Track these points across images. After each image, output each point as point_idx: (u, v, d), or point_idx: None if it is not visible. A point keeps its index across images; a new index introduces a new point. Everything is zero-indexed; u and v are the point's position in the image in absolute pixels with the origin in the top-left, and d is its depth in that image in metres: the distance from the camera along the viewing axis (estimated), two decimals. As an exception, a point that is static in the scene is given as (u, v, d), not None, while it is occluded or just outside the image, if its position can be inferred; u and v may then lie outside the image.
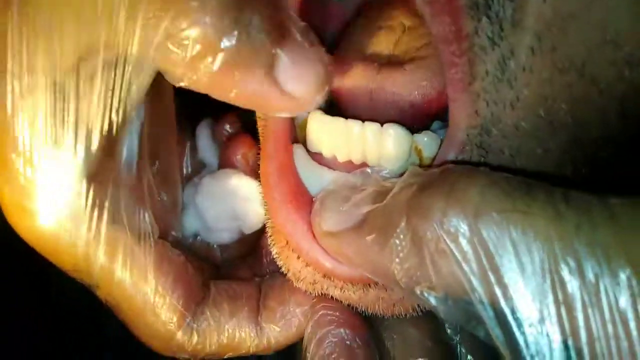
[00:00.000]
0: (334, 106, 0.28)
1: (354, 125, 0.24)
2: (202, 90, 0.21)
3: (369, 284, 0.24)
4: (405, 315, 0.25)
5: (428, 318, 0.26)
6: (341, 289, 0.25)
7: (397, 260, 0.19)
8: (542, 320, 0.16)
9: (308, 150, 0.26)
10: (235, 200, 0.30)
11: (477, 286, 0.17)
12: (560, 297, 0.16)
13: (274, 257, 0.27)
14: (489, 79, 0.21)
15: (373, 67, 0.26)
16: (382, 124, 0.24)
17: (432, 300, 0.18)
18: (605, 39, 0.21)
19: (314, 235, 0.23)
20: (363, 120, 0.24)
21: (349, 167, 0.25)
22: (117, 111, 0.22)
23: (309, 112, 0.26)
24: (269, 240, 0.27)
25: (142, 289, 0.24)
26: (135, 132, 0.25)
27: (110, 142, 0.23)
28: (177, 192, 0.30)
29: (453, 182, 0.18)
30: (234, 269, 0.31)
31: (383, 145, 0.24)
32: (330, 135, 0.25)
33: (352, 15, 0.30)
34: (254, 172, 0.29)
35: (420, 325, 0.26)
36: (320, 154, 0.26)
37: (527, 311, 0.17)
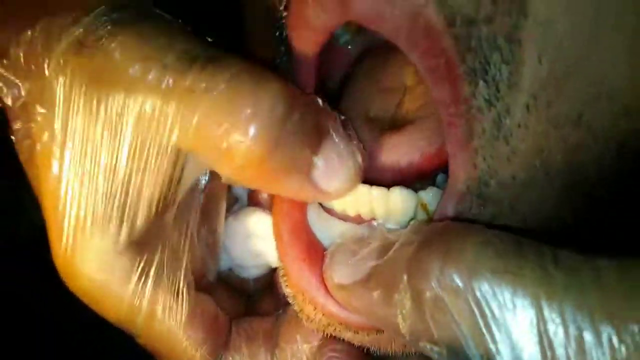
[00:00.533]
0: None
1: (361, 188, 0.26)
2: (241, 184, 0.23)
3: (382, 331, 0.26)
4: (415, 352, 0.27)
5: None
6: (354, 332, 0.26)
7: (400, 315, 0.21)
8: None
9: (321, 205, 0.28)
10: (257, 238, 0.32)
11: (472, 342, 0.19)
12: (548, 355, 0.18)
13: (287, 296, 0.29)
14: (485, 137, 0.22)
15: (374, 132, 0.28)
16: (387, 185, 0.26)
17: (435, 355, 0.20)
18: (601, 93, 0.22)
19: (327, 289, 0.25)
20: (367, 182, 0.26)
21: (360, 220, 0.27)
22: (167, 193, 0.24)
23: None
24: (282, 281, 0.29)
25: (177, 342, 0.27)
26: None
27: (164, 208, 0.25)
28: (219, 232, 0.32)
29: (449, 242, 0.20)
30: (261, 299, 0.34)
31: (389, 206, 0.26)
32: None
33: (355, 62, 0.32)
34: None
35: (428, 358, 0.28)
36: (332, 210, 0.28)
37: None
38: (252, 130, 0.22)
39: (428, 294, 0.19)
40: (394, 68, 0.30)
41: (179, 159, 0.23)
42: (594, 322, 0.17)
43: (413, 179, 0.27)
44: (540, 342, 0.18)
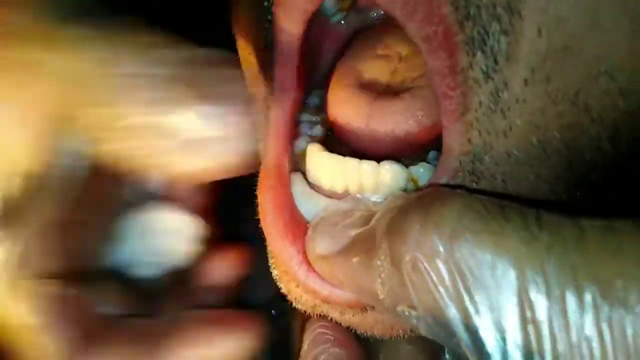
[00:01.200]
0: (331, 135, 0.29)
1: (350, 162, 0.25)
2: None
3: (366, 308, 0.25)
4: (403, 336, 0.26)
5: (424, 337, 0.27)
6: (340, 313, 0.26)
7: (379, 280, 0.20)
8: (512, 339, 0.17)
9: (308, 181, 0.27)
10: (164, 236, 0.31)
11: (451, 304, 0.18)
12: (528, 316, 0.17)
13: (275, 279, 0.28)
14: (482, 110, 0.22)
15: (369, 96, 0.27)
16: (378, 160, 0.25)
17: (413, 319, 0.19)
18: (600, 71, 0.21)
19: (309, 265, 0.25)
20: (359, 151, 0.25)
21: (346, 196, 0.26)
22: None
23: (307, 144, 0.27)
24: (270, 262, 0.28)
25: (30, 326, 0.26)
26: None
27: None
28: (117, 224, 0.31)
29: (429, 205, 0.19)
30: (164, 300, 0.32)
31: (379, 180, 0.25)
32: (328, 169, 0.26)
33: (350, 38, 0.31)
34: (193, 206, 0.30)
35: (417, 341, 0.27)
36: (319, 186, 0.27)
37: (496, 329, 0.17)
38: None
39: (407, 257, 0.19)
40: (389, 40, 0.29)
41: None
42: (577, 281, 0.17)
43: (406, 152, 0.26)
44: (521, 303, 0.17)
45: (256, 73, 0.29)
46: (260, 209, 0.26)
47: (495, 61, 0.21)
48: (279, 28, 0.25)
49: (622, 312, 0.16)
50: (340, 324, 0.27)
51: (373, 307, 0.25)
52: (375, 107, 0.27)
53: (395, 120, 0.26)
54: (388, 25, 0.29)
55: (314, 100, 0.30)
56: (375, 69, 0.28)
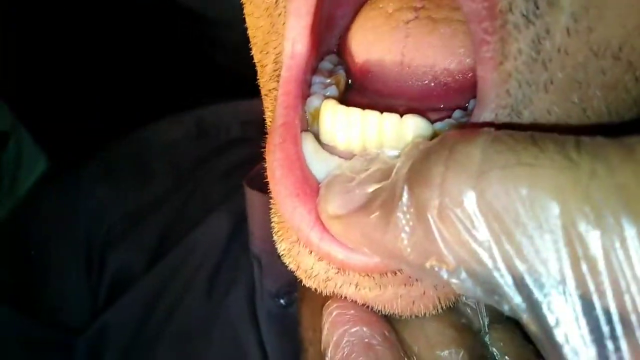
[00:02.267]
0: (350, 87, 0.26)
1: (371, 114, 0.23)
2: None
3: (386, 274, 0.22)
4: (425, 314, 0.24)
5: (449, 311, 0.25)
6: (356, 286, 0.23)
7: (402, 235, 0.17)
8: (563, 281, 0.15)
9: (320, 142, 0.24)
10: None
11: (489, 252, 0.15)
12: (580, 252, 0.14)
13: (282, 254, 0.25)
14: (522, 59, 0.20)
15: (401, 29, 0.25)
16: (401, 113, 0.23)
17: (445, 275, 0.17)
18: None
19: (323, 227, 0.22)
20: (386, 101, 0.23)
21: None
22: None
23: (322, 100, 0.25)
24: (276, 237, 0.25)
25: None
26: None
27: None
28: None
29: (453, 145, 0.17)
30: None
31: (401, 135, 0.22)
32: (345, 126, 0.23)
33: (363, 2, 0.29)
34: None
35: (442, 317, 0.25)
36: (333, 147, 0.24)
37: (546, 273, 0.15)
38: None
39: (432, 204, 0.16)
40: None
41: None
42: (632, 203, 0.14)
43: (439, 98, 0.24)
44: (569, 238, 0.14)
45: (265, 37, 0.28)
46: (267, 169, 0.24)
47: (536, 5, 0.19)
48: None
49: None
50: (356, 303, 0.24)
51: (394, 273, 0.22)
52: (410, 42, 0.25)
53: (434, 56, 0.24)
54: None
55: (326, 65, 0.27)
56: (400, 1, 0.26)
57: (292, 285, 0.42)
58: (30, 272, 0.46)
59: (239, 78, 0.49)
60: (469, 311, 0.25)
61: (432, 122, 0.23)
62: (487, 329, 0.25)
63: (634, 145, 0.15)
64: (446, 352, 0.24)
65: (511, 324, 0.25)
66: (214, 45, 0.95)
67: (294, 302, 0.42)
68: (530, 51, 0.20)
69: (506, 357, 0.25)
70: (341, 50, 0.28)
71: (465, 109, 0.25)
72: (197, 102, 0.57)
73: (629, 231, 0.14)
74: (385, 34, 0.25)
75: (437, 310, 0.24)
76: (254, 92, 0.30)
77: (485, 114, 0.21)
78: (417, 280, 0.23)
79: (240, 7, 0.29)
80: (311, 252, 0.23)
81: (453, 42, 0.25)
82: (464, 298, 0.25)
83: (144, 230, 0.48)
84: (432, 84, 0.24)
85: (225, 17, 0.85)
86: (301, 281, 0.25)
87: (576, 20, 0.20)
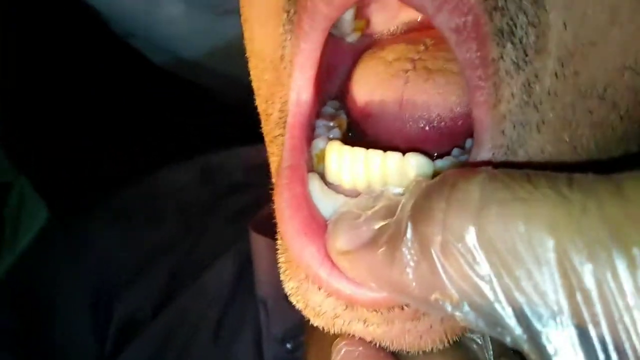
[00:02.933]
0: (353, 129, 0.28)
1: (374, 153, 0.24)
2: None
3: (394, 308, 0.23)
4: (432, 349, 0.24)
5: (456, 346, 0.25)
6: (364, 322, 0.23)
7: (407, 270, 0.18)
8: (560, 311, 0.15)
9: (326, 182, 0.26)
10: None
11: (490, 285, 0.16)
12: (575, 284, 0.15)
13: (289, 295, 0.25)
14: (514, 102, 0.22)
15: (400, 77, 0.27)
16: (403, 152, 0.24)
17: (449, 308, 0.17)
18: (624, 65, 0.22)
19: (332, 263, 0.23)
20: (384, 144, 0.24)
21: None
22: None
23: (326, 142, 0.26)
24: (283, 277, 0.26)
25: None
26: None
27: None
28: None
29: (453, 183, 0.18)
30: None
31: (404, 174, 0.24)
32: (350, 165, 0.25)
33: (364, 50, 0.31)
34: None
35: (448, 352, 0.25)
36: (338, 186, 0.25)
37: (544, 304, 0.16)
38: None
39: (435, 240, 0.17)
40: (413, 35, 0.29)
41: None
42: (622, 238, 0.15)
43: (433, 143, 0.25)
44: (563, 271, 0.15)
45: (270, 88, 0.29)
46: (276, 209, 0.25)
47: (525, 53, 0.21)
48: (303, 33, 0.25)
49: None
50: (365, 340, 0.24)
51: (401, 308, 0.23)
52: (409, 88, 0.26)
53: (430, 102, 0.26)
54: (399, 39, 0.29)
55: (328, 110, 0.29)
56: (401, 50, 0.28)
57: (298, 329, 0.42)
58: (36, 319, 0.46)
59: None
60: (474, 346, 0.26)
61: (434, 159, 0.24)
62: None
63: (622, 181, 0.16)
64: None
65: (517, 358, 0.26)
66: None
67: (301, 346, 0.42)
68: (522, 94, 0.21)
69: None
70: (342, 96, 0.30)
71: (462, 147, 0.26)
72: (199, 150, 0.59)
73: (620, 263, 0.15)
74: (386, 81, 0.27)
75: (444, 345, 0.24)
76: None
77: (483, 154, 0.22)
78: (423, 314, 0.23)
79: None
80: (320, 289, 0.23)
81: (447, 90, 0.26)
82: (470, 333, 0.25)
83: (152, 276, 0.49)
84: (428, 128, 0.26)
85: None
86: (308, 323, 0.25)
87: (563, 64, 0.21)
